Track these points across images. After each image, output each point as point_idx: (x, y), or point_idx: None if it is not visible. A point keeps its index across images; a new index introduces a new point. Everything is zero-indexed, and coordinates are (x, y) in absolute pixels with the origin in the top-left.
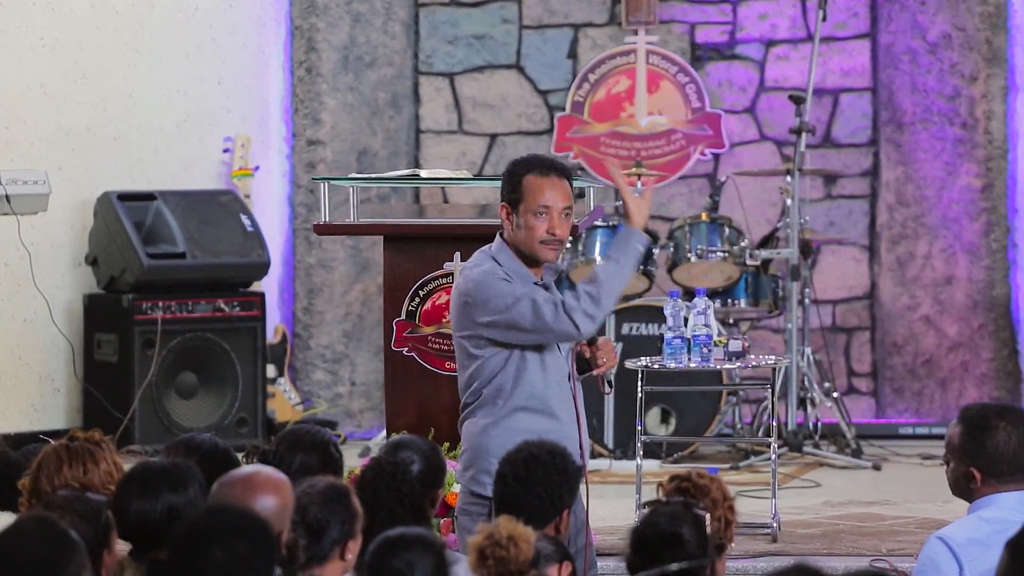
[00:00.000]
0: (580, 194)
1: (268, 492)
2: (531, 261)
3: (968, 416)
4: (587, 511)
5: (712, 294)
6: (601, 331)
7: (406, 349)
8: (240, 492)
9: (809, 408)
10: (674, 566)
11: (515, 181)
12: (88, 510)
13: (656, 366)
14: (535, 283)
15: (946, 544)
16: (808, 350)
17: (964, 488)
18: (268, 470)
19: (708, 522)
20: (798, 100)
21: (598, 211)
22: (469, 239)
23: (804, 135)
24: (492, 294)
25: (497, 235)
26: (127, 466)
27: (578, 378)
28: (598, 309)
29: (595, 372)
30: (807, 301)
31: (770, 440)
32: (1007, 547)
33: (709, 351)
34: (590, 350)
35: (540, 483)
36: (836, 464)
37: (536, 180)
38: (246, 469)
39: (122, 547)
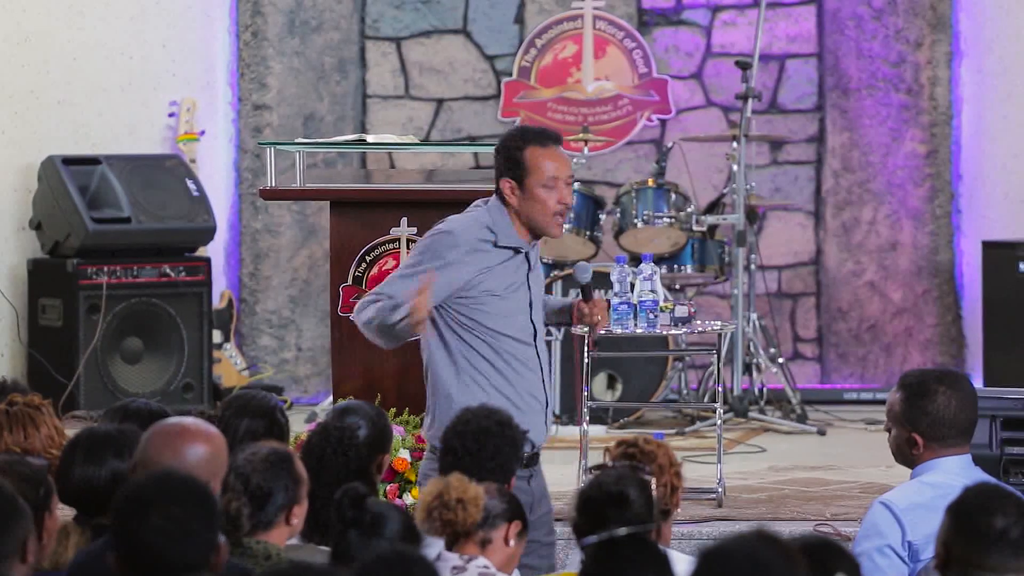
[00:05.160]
0: None
1: (199, 441)
2: (534, 232)
3: (907, 383)
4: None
5: (658, 260)
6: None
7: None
8: (170, 440)
9: (754, 373)
10: (621, 531)
11: (516, 155)
12: (29, 473)
13: (603, 331)
14: (519, 249)
15: (889, 509)
16: (754, 316)
17: (907, 454)
18: (197, 420)
19: (654, 487)
20: (744, 66)
21: None
22: (416, 204)
23: (750, 101)
24: (404, 266)
25: (495, 197)
26: (72, 431)
27: (554, 336)
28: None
29: (589, 330)
30: (753, 267)
31: (716, 405)
32: (948, 511)
33: (655, 316)
34: (588, 306)
35: (492, 456)
36: (781, 429)
37: (540, 151)
38: (175, 419)
39: (67, 512)
